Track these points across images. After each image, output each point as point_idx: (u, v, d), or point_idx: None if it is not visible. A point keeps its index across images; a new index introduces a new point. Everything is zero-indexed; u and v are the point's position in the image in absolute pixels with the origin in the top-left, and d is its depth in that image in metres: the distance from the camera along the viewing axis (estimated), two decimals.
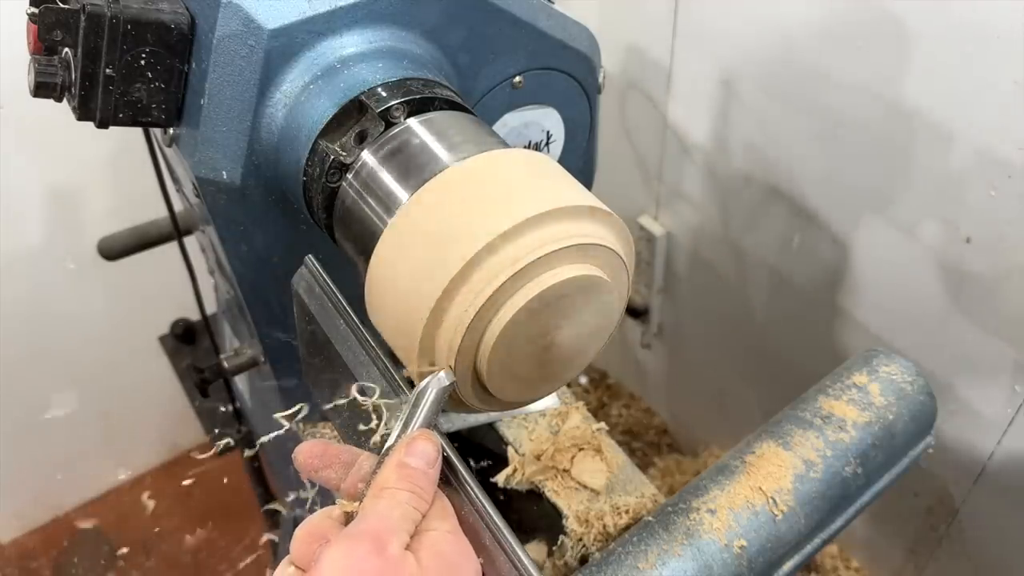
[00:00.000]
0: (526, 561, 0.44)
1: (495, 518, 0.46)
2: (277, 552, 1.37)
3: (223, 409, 1.22)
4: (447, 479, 0.48)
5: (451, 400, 0.52)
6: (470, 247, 0.45)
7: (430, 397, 0.48)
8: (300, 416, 0.58)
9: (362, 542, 0.41)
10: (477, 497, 0.47)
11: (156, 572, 1.77)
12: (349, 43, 0.62)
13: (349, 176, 0.58)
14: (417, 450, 0.46)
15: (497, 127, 0.76)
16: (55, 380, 1.69)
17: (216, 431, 1.21)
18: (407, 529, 0.43)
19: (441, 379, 0.48)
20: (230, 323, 1.17)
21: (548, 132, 0.80)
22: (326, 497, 0.70)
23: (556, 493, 0.74)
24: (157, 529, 1.83)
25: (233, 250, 0.70)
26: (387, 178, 0.56)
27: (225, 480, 1.86)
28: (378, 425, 0.52)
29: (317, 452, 0.51)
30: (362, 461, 0.50)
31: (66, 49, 0.62)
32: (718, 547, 0.62)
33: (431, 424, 0.48)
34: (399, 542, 0.42)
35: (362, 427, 0.54)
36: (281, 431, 0.58)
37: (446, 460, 0.48)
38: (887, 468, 0.72)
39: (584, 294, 0.49)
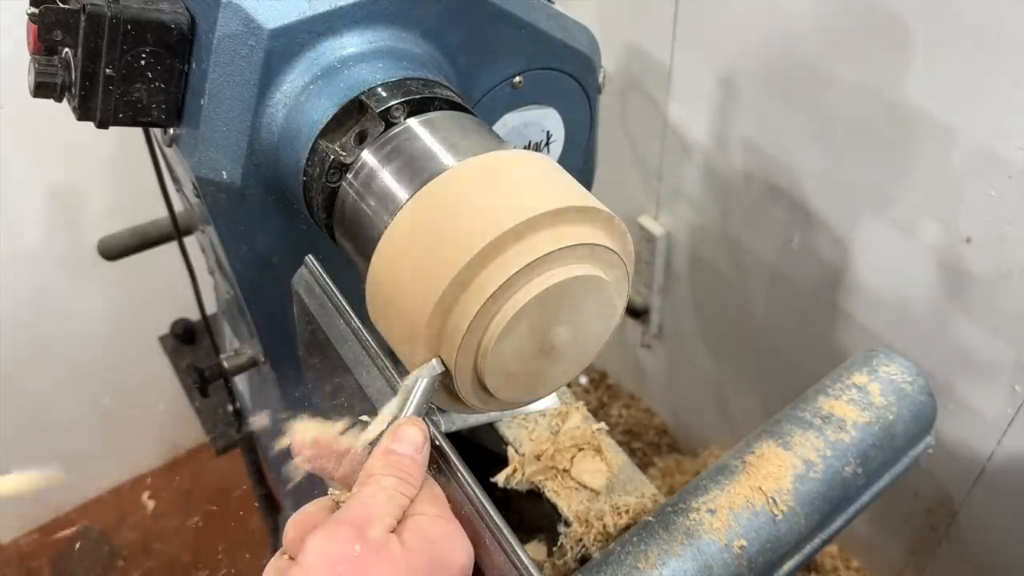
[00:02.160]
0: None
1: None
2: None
3: (223, 409, 1.22)
4: (441, 469, 0.49)
5: (452, 399, 0.52)
6: (471, 247, 0.45)
7: (420, 386, 0.48)
8: None
9: (342, 527, 0.42)
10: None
11: (156, 572, 1.77)
12: (349, 43, 0.62)
13: (349, 176, 0.58)
14: (403, 437, 0.47)
15: (497, 127, 0.76)
16: (55, 380, 1.69)
17: (216, 431, 1.21)
18: (392, 514, 0.44)
19: (432, 367, 0.48)
20: (230, 323, 1.17)
21: (548, 132, 0.80)
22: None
23: (556, 493, 0.74)
24: (157, 530, 1.83)
25: (233, 250, 0.70)
26: (387, 178, 0.56)
27: (225, 480, 1.86)
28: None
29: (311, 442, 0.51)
30: (355, 450, 0.50)
31: (66, 49, 0.62)
32: (718, 547, 0.62)
33: (422, 412, 0.49)
34: (381, 526, 0.43)
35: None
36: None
37: (438, 449, 0.48)
38: (887, 468, 0.72)
39: (584, 294, 0.49)
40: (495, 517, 0.46)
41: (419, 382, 0.48)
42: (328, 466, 0.50)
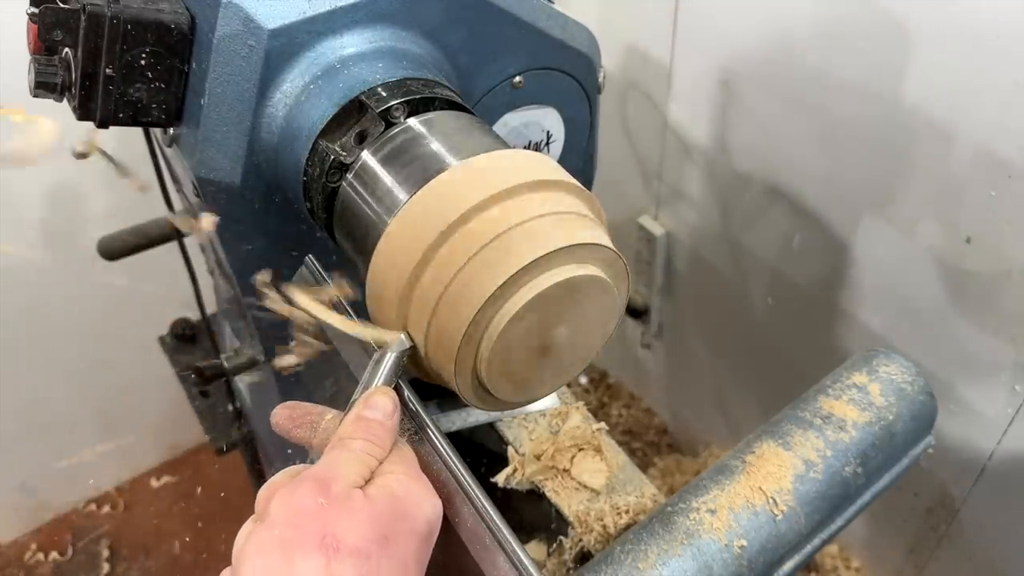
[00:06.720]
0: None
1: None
2: None
3: (223, 409, 1.21)
4: (418, 434, 0.52)
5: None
6: (442, 221, 0.47)
7: (390, 359, 0.51)
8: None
9: (305, 483, 0.43)
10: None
11: (156, 572, 1.77)
12: (349, 43, 0.62)
13: (349, 176, 0.58)
14: (374, 404, 0.49)
15: (497, 127, 0.76)
16: (55, 380, 1.69)
17: (216, 431, 1.21)
18: (357, 472, 0.45)
19: (401, 342, 0.51)
20: (230, 323, 1.17)
21: (548, 132, 0.80)
22: None
23: (556, 493, 0.74)
24: (157, 530, 1.84)
25: (233, 250, 0.70)
26: (387, 178, 0.56)
27: (225, 480, 1.86)
28: None
29: (287, 413, 0.53)
30: (329, 419, 0.52)
31: (66, 49, 0.62)
32: (718, 547, 0.62)
33: (392, 383, 0.51)
34: (344, 483, 0.44)
35: None
36: None
37: (413, 413, 0.51)
38: (887, 468, 0.72)
39: (584, 294, 0.49)
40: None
41: (388, 356, 0.51)
42: (305, 435, 0.52)
